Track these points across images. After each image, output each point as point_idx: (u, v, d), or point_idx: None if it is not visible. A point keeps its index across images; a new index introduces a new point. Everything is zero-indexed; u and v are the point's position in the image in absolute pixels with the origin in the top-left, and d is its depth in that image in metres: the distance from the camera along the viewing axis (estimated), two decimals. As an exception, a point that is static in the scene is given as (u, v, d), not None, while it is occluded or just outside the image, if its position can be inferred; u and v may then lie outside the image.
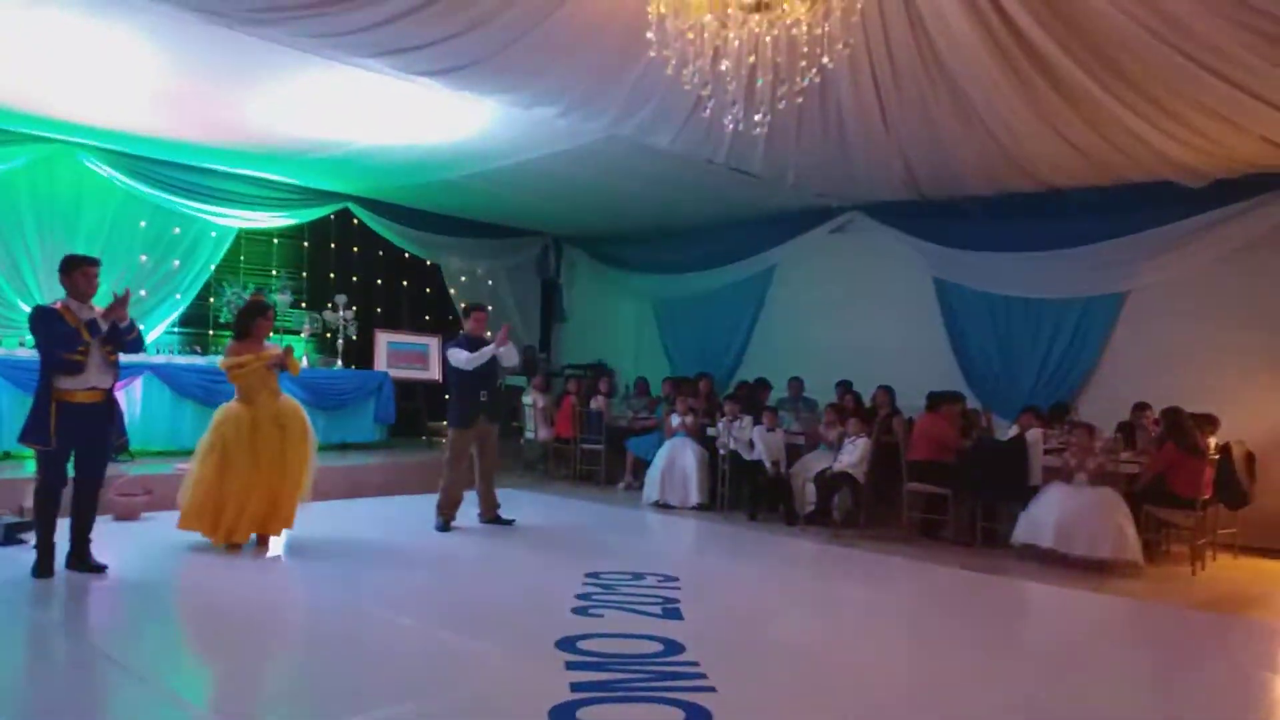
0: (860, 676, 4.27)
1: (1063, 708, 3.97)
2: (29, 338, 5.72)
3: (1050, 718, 3.86)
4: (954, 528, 7.64)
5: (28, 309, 7.90)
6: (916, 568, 6.74)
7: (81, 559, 5.37)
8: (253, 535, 6.24)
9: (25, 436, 5.25)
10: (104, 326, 5.24)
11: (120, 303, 5.30)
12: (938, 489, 7.62)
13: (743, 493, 8.70)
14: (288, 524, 6.34)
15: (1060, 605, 6.06)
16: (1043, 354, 9.03)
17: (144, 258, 9.46)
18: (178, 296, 9.80)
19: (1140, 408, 7.75)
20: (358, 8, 5.44)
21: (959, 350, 9.57)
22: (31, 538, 5.44)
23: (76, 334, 5.16)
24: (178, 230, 9.71)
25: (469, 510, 7.47)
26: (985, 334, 9.41)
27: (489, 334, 7.54)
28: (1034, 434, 7.31)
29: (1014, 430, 7.64)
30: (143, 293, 9.23)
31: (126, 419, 7.04)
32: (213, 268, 10.09)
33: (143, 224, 9.48)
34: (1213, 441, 7.11)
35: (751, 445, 8.53)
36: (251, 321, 6.40)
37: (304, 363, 9.61)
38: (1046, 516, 6.85)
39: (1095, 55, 5.79)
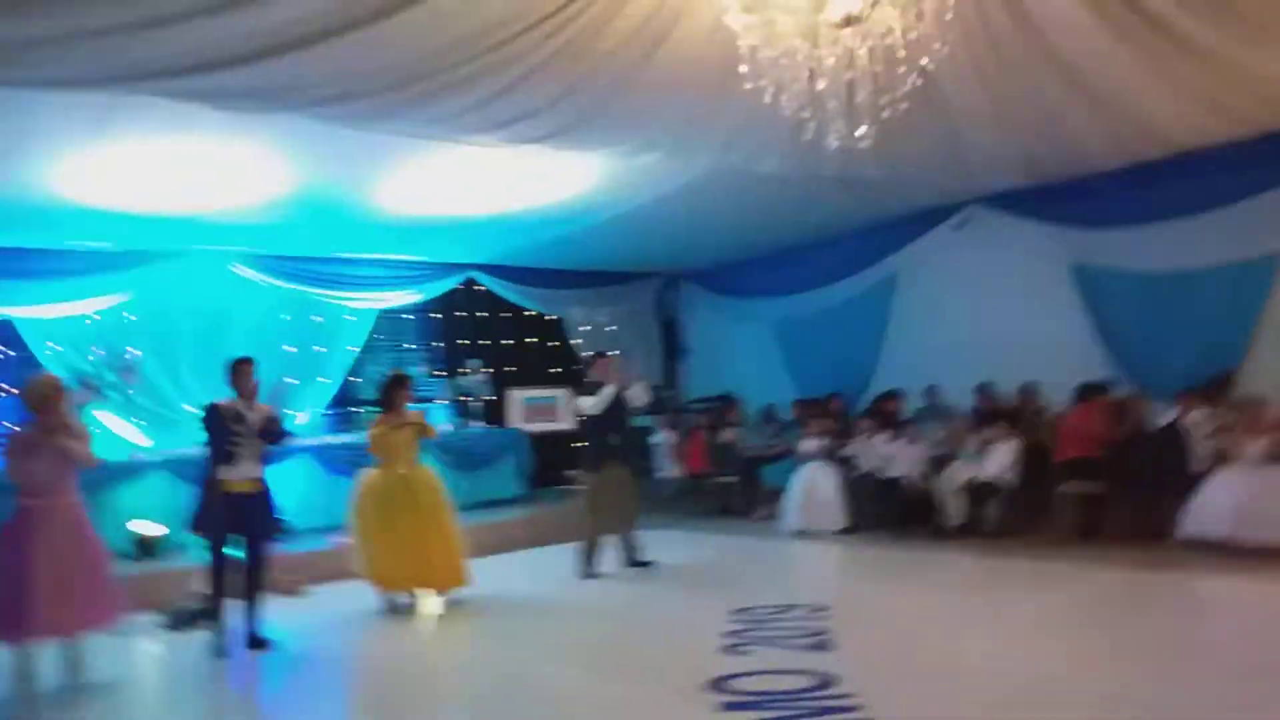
0: (1033, 694, 4.05)
1: (1264, 713, 3.65)
2: (196, 436, 6.24)
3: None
4: (1115, 526, 7.18)
5: (191, 409, 8.55)
6: (1079, 573, 6.38)
7: (255, 637, 5.70)
8: (422, 593, 6.57)
9: (195, 526, 5.68)
10: (250, 417, 5.65)
11: (275, 395, 5.84)
12: (1092, 487, 7.20)
13: (886, 511, 8.45)
14: (458, 581, 6.62)
15: (1246, 600, 5.61)
16: (1196, 329, 8.40)
17: (292, 349, 10.05)
18: (324, 380, 10.34)
19: None
20: (462, 89, 5.68)
21: (1105, 336, 8.99)
22: (207, 622, 5.81)
23: (230, 427, 5.60)
24: (319, 319, 10.30)
25: (612, 556, 7.54)
26: (1131, 315, 8.82)
27: (616, 379, 7.64)
28: (1193, 417, 6.83)
29: (1172, 414, 7.15)
30: (293, 381, 9.77)
31: (287, 499, 7.50)
32: (353, 353, 10.61)
33: (286, 318, 10.10)
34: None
35: (892, 461, 8.30)
36: (393, 394, 6.80)
37: (441, 428, 9.98)
38: (1219, 504, 6.38)
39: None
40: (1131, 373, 8.72)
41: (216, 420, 5.64)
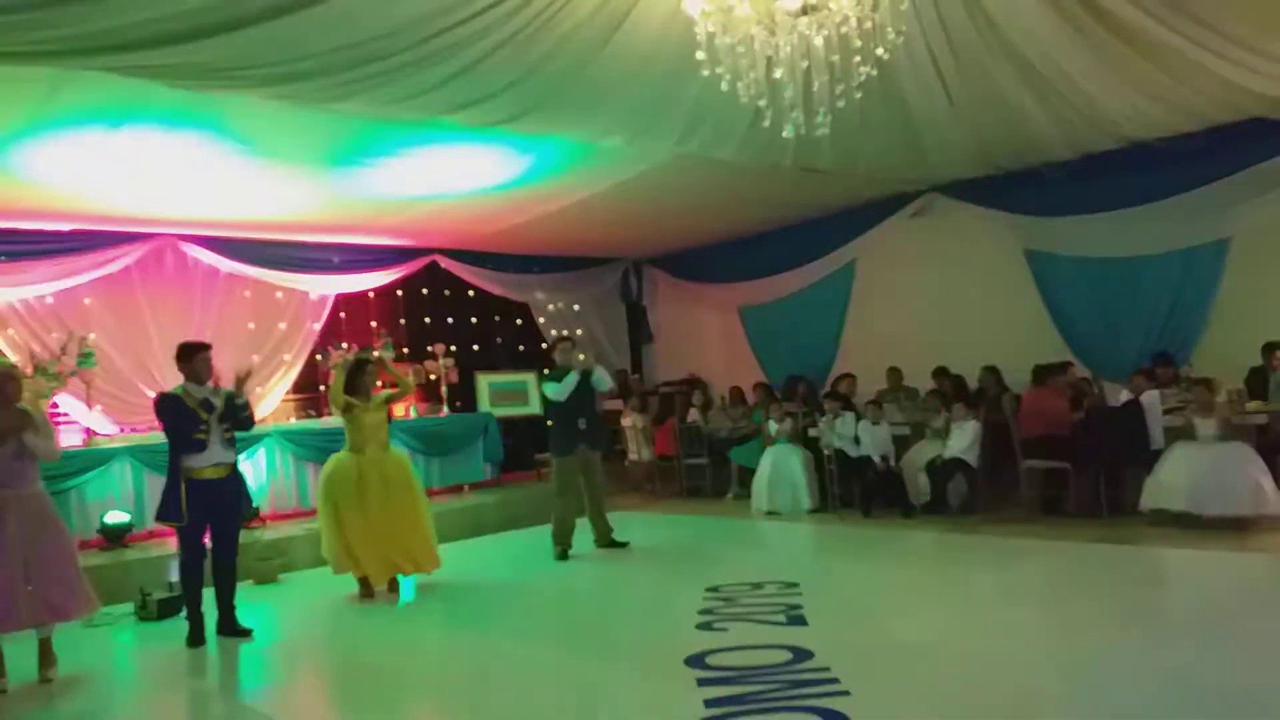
0: (1000, 664, 4.17)
1: (1222, 677, 3.80)
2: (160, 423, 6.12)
3: (1209, 688, 3.69)
4: (1076, 501, 7.40)
5: (153, 394, 8.42)
6: (1044, 547, 6.57)
7: (229, 625, 5.67)
8: (398, 578, 6.55)
9: (162, 515, 5.61)
10: (216, 404, 5.57)
11: (242, 380, 5.68)
12: (1055, 464, 7.40)
13: (853, 491, 8.60)
14: (431, 564, 6.65)
15: (1202, 569, 5.81)
16: (1149, 313, 8.67)
17: (251, 324, 9.99)
18: (286, 359, 10.25)
19: (1271, 348, 7.37)
20: (418, 70, 5.64)
21: (1060, 320, 9.26)
22: (182, 610, 5.76)
23: (196, 415, 5.51)
24: (280, 307, 10.22)
25: (584, 537, 7.60)
26: (1085, 300, 9.08)
27: (581, 357, 7.67)
28: (1150, 396, 7.05)
29: (1126, 395, 7.38)
30: (255, 358, 9.67)
31: (253, 486, 7.43)
32: (315, 329, 10.52)
33: (247, 301, 10.00)
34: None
35: (857, 441, 8.44)
36: (361, 378, 6.71)
37: (408, 412, 9.96)
38: (1175, 478, 6.59)
39: (1157, -5, 5.59)
40: (1085, 355, 8.98)
41: (177, 409, 5.53)
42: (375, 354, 6.84)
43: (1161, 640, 4.41)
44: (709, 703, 3.83)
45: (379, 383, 6.88)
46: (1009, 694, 3.80)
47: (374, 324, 11.26)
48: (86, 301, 9.02)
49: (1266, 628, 4.50)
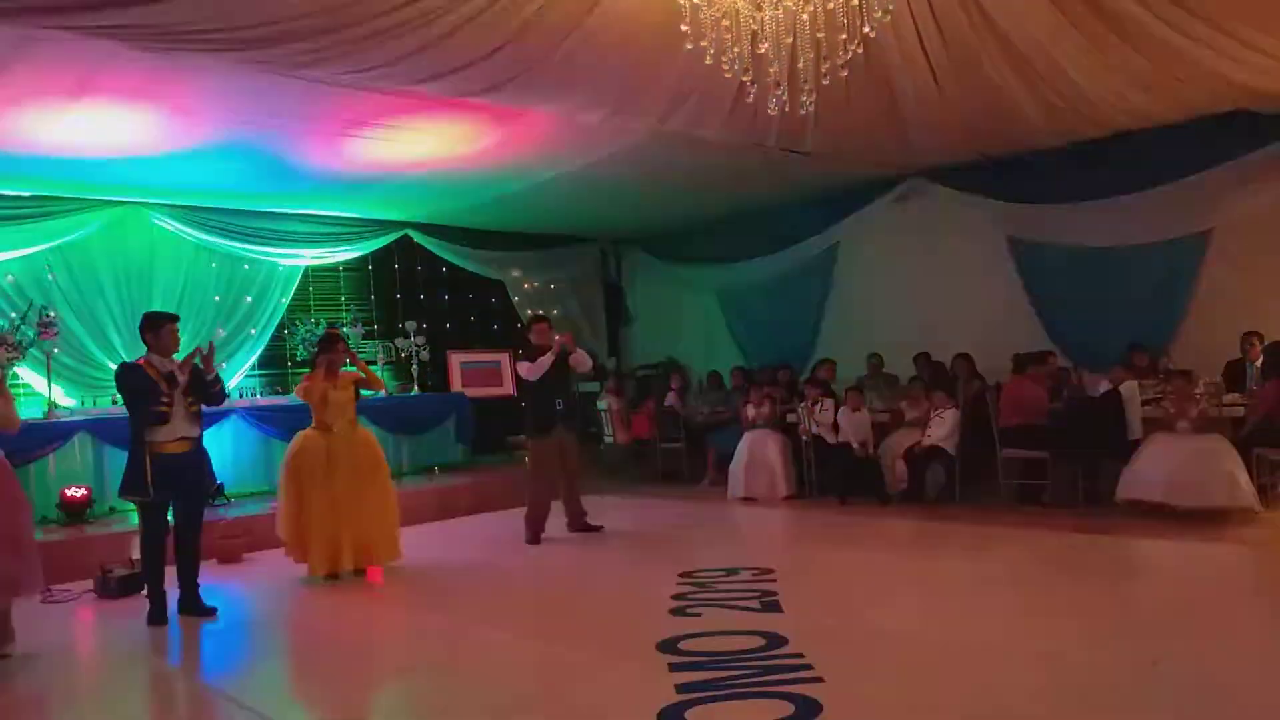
0: (972, 653, 4.13)
1: (1192, 667, 3.78)
2: (120, 395, 5.95)
3: (1179, 678, 3.68)
4: (1054, 491, 7.38)
5: (115, 367, 8.23)
6: (1020, 536, 6.54)
7: (192, 604, 5.53)
8: (352, 567, 6.34)
9: (125, 490, 5.44)
10: (180, 378, 5.40)
11: (207, 357, 5.50)
12: (1033, 453, 7.38)
13: (831, 478, 8.55)
14: (392, 554, 6.45)
15: (1177, 560, 5.81)
16: (1129, 303, 8.67)
17: (217, 297, 9.77)
18: (253, 333, 10.05)
19: (1250, 337, 7.37)
20: (395, 37, 5.50)
21: (1041, 309, 9.25)
22: (144, 588, 5.61)
23: (159, 387, 5.34)
24: (246, 281, 10.02)
25: (558, 521, 7.50)
26: (1067, 289, 9.07)
27: (556, 337, 7.55)
28: (1129, 387, 7.04)
29: (1105, 385, 7.36)
30: (220, 331, 9.49)
31: (217, 463, 7.25)
32: (284, 304, 10.32)
33: (213, 277, 9.79)
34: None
35: (836, 428, 8.38)
36: (328, 352, 6.54)
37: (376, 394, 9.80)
38: (1152, 470, 6.59)
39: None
40: (1065, 344, 8.97)
41: (140, 381, 5.34)
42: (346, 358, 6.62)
43: (1135, 630, 4.39)
44: (680, 687, 3.76)
45: (347, 360, 6.68)
46: (983, 682, 3.75)
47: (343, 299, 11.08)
48: (49, 270, 8.77)
49: (1238, 619, 4.50)
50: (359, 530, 6.29)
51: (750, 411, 9.04)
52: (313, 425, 6.46)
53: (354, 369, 6.66)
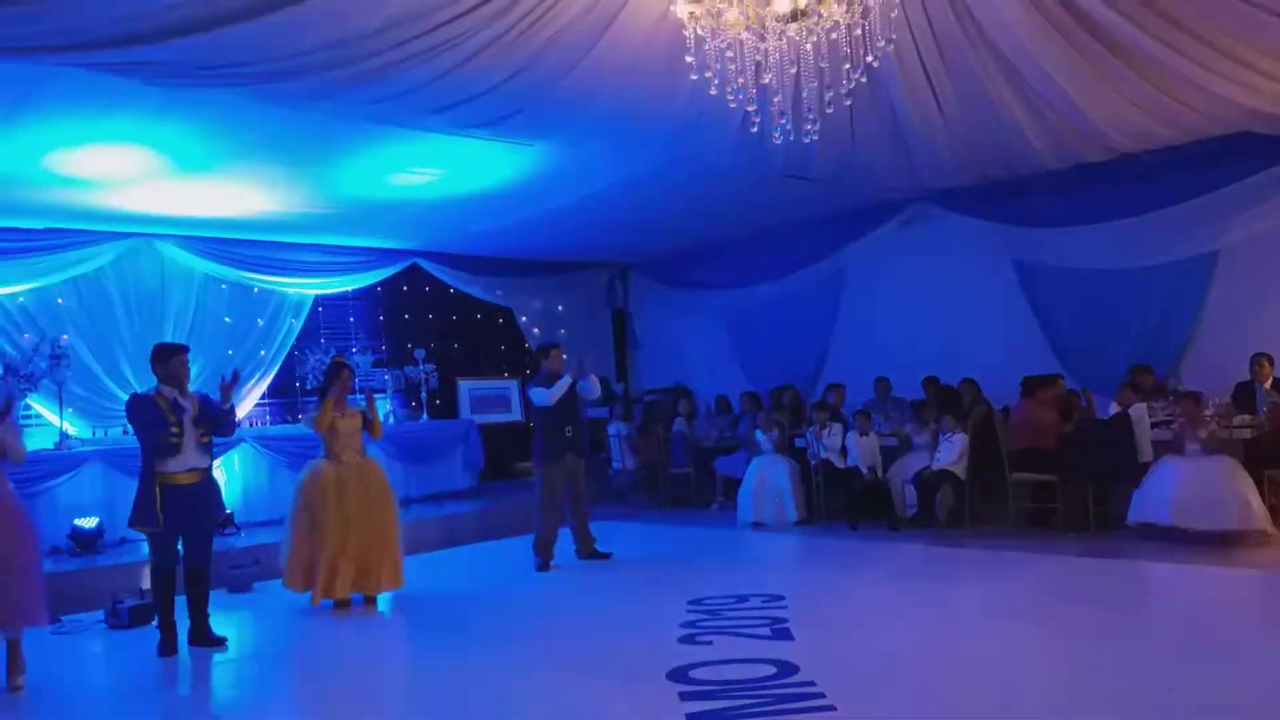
0: (985, 679, 4.11)
1: (1207, 693, 3.75)
2: (130, 426, 5.99)
3: (1194, 705, 3.64)
4: (1064, 515, 7.35)
5: (126, 397, 8.27)
6: (1031, 560, 6.51)
7: (201, 634, 5.52)
8: (356, 595, 6.35)
9: (134, 520, 5.45)
10: (187, 407, 5.41)
11: (227, 386, 5.53)
12: (1043, 477, 7.36)
13: (840, 502, 8.52)
14: (395, 583, 6.45)
15: (1189, 584, 5.77)
16: (1137, 325, 8.65)
17: (228, 336, 9.81)
18: (264, 364, 10.09)
19: (1260, 358, 7.33)
20: (403, 70, 5.57)
21: (1048, 331, 9.24)
22: (154, 618, 5.62)
23: (165, 418, 5.35)
24: (257, 311, 10.08)
25: (566, 548, 7.49)
26: (1074, 311, 9.06)
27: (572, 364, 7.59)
28: (1138, 409, 7.02)
29: (1115, 408, 7.34)
30: (237, 373, 9.55)
31: (227, 492, 7.29)
32: (294, 332, 10.38)
33: (224, 308, 9.85)
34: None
35: (845, 452, 8.37)
36: (330, 383, 6.58)
37: (386, 419, 9.82)
38: (1162, 492, 6.56)
39: (1148, 8, 5.57)
40: (1074, 366, 8.96)
41: (149, 412, 5.36)
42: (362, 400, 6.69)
43: (1147, 655, 4.36)
44: (691, 717, 3.76)
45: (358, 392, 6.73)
46: (995, 708, 3.74)
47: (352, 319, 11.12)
48: (60, 302, 8.84)
49: (1251, 643, 4.46)
50: (363, 558, 6.30)
51: (761, 436, 9.04)
52: (322, 455, 6.49)
53: (362, 404, 6.68)
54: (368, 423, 6.59)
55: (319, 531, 6.23)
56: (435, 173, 7.97)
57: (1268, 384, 7.24)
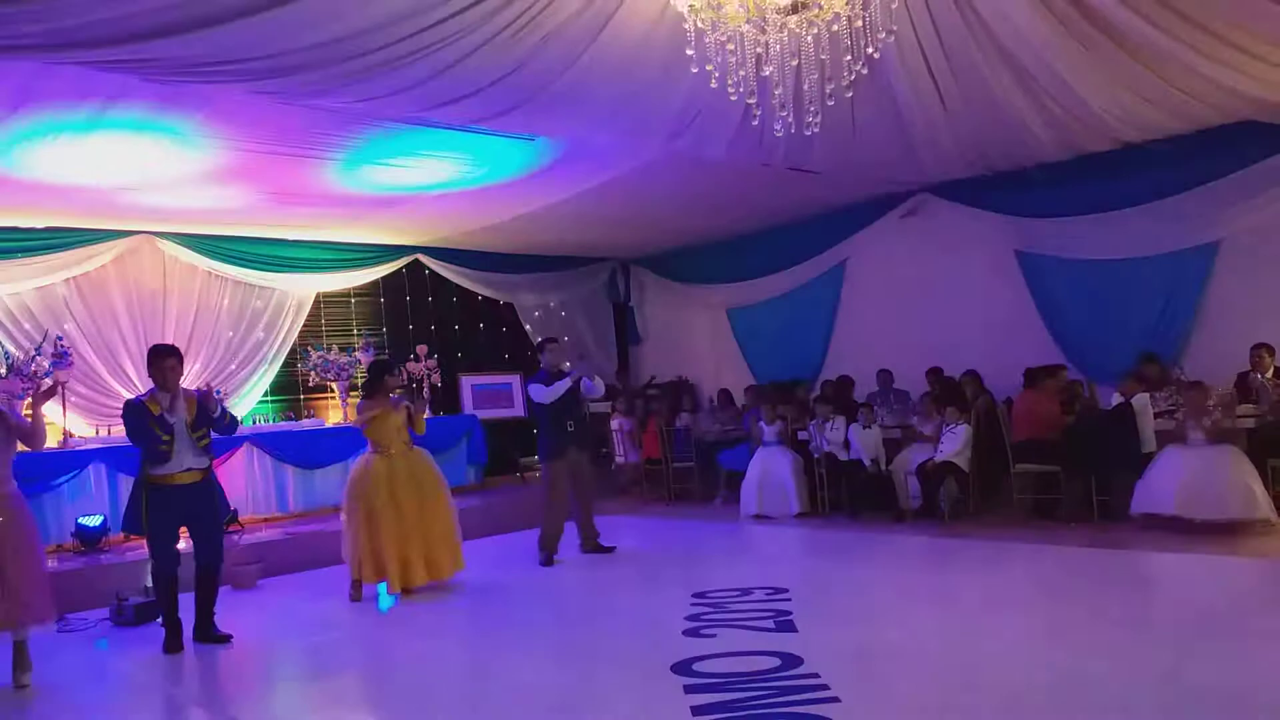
0: (989, 670, 4.11)
1: (1212, 682, 3.74)
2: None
3: (1199, 693, 3.64)
4: (1068, 506, 7.35)
5: (129, 395, 8.28)
6: (1034, 551, 6.51)
7: (207, 631, 5.54)
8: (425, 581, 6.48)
9: (125, 524, 5.50)
10: (171, 420, 5.36)
11: (206, 397, 5.49)
12: (1047, 468, 7.35)
13: (843, 495, 8.52)
14: (457, 565, 6.66)
15: (1194, 574, 5.76)
16: (1139, 315, 8.64)
17: (231, 334, 9.83)
18: (266, 362, 10.12)
19: (1260, 349, 7.31)
20: (403, 66, 5.56)
21: (1051, 321, 9.23)
22: (159, 616, 5.63)
23: (153, 429, 5.32)
24: (259, 308, 10.10)
25: (571, 542, 7.49)
26: (1077, 301, 9.05)
27: (566, 365, 7.60)
28: (1140, 399, 7.01)
29: (1117, 398, 7.33)
30: (232, 366, 9.58)
31: (229, 490, 7.29)
32: (296, 329, 10.39)
33: (225, 301, 9.86)
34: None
35: (847, 445, 8.36)
36: (379, 379, 6.70)
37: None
38: (1166, 483, 6.55)
39: (1150, -2, 5.55)
40: (1076, 357, 8.95)
41: (137, 420, 5.33)
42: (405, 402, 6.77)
43: (1151, 644, 4.36)
44: (696, 710, 3.76)
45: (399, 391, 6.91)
46: (999, 699, 3.73)
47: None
48: (62, 300, 8.85)
49: (1256, 632, 4.44)
50: (428, 545, 6.47)
51: (764, 429, 9.04)
52: (370, 450, 6.61)
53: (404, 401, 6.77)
54: (411, 417, 6.71)
55: (374, 522, 6.37)
56: (445, 165, 7.96)
57: (1268, 374, 7.23)
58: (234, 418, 5.82)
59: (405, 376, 6.85)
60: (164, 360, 5.46)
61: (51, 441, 8.09)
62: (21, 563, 4.75)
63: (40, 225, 8.56)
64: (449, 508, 6.73)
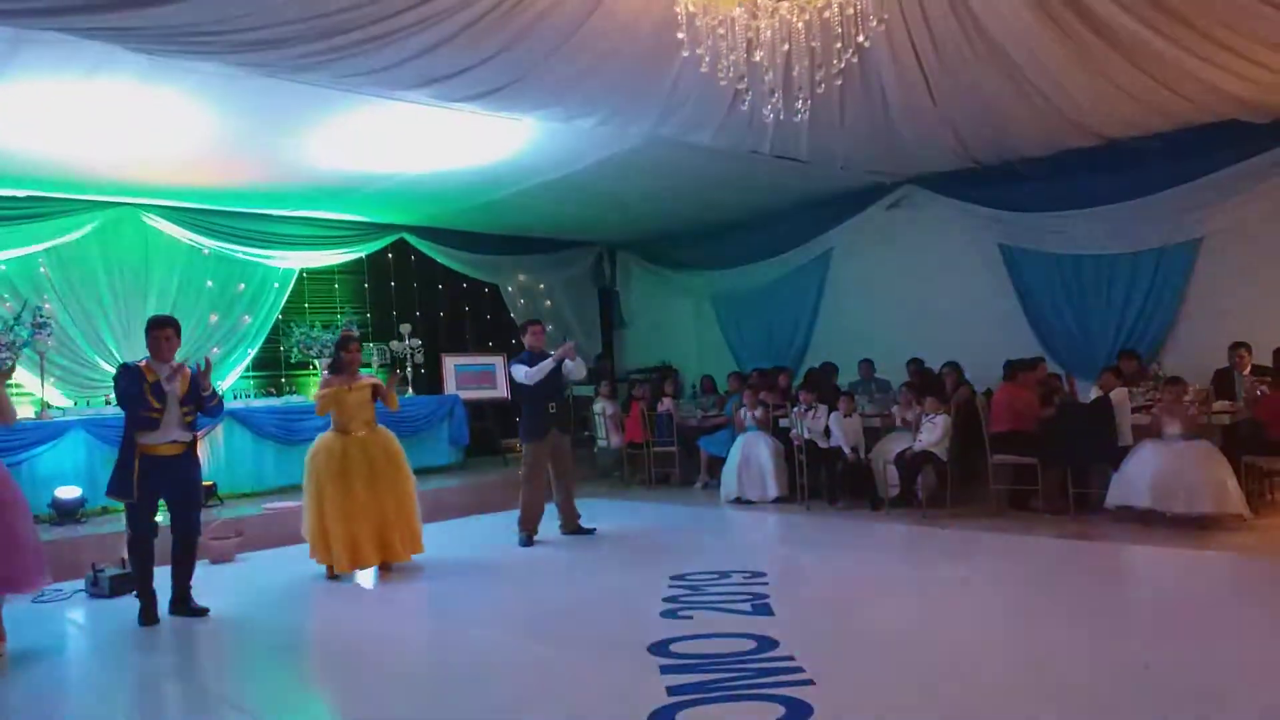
0: (962, 657, 4.15)
1: (1179, 673, 3.80)
2: (114, 396, 5.96)
3: (1167, 685, 3.69)
4: (1044, 497, 7.42)
5: (109, 368, 8.24)
6: (1010, 541, 6.58)
7: (183, 604, 5.53)
8: (376, 563, 6.42)
9: (110, 490, 5.44)
10: (167, 389, 5.36)
11: (203, 374, 5.49)
12: (1024, 459, 7.42)
13: (822, 482, 8.57)
14: (415, 548, 6.56)
15: (1165, 566, 5.84)
16: (1120, 310, 8.73)
17: (214, 317, 9.77)
18: (248, 337, 10.06)
19: (1238, 348, 7.40)
20: (391, 43, 5.52)
21: (1032, 315, 9.31)
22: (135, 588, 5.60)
23: (145, 394, 5.31)
24: (242, 283, 10.03)
25: (550, 523, 7.51)
26: (1058, 296, 9.14)
27: (566, 342, 7.60)
28: (1119, 394, 7.07)
29: (1096, 392, 7.40)
30: (215, 350, 9.52)
31: (209, 464, 7.28)
32: (278, 306, 10.34)
33: (208, 279, 9.80)
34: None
35: (828, 432, 8.41)
36: (338, 355, 6.62)
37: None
38: (1140, 476, 6.62)
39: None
40: (1056, 351, 9.03)
41: (132, 385, 5.31)
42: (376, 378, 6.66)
43: (1122, 635, 4.41)
44: (672, 690, 3.78)
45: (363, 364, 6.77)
46: (972, 684, 3.78)
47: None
48: (42, 271, 8.75)
49: (1223, 624, 4.51)
50: (378, 527, 6.35)
51: (745, 415, 9.07)
52: (331, 428, 6.51)
53: (374, 374, 6.68)
54: (380, 393, 6.60)
55: (327, 503, 6.27)
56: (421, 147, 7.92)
57: (1246, 372, 7.32)
58: (221, 400, 5.82)
59: (359, 349, 6.69)
60: (161, 330, 5.46)
61: (29, 412, 8.04)
62: (13, 531, 4.71)
63: (21, 194, 8.46)
64: (407, 490, 6.58)
